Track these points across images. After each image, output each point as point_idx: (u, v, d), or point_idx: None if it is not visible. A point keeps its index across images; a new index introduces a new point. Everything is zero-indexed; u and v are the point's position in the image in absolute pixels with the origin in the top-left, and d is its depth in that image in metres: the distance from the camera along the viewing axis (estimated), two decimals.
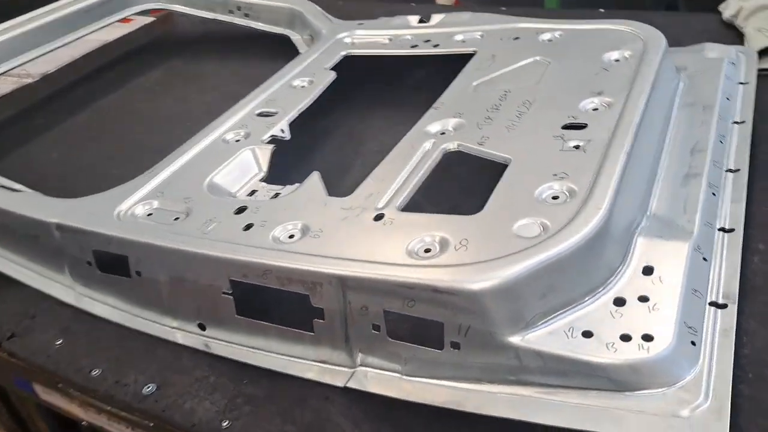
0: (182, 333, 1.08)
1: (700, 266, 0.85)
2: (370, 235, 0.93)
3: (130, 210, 1.14)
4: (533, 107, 1.17)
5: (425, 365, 0.86)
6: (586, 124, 1.05)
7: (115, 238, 1.08)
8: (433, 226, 0.91)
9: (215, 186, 1.19)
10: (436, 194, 1.07)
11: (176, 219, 1.10)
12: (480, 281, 0.78)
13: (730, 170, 1.05)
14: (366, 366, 0.92)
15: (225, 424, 0.92)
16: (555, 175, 0.94)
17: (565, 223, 0.84)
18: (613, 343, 0.75)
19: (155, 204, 1.15)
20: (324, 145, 1.54)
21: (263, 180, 1.24)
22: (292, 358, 0.98)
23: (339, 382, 0.92)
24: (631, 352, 0.74)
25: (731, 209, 0.98)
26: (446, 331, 0.82)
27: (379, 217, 0.97)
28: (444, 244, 0.87)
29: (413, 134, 1.19)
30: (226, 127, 1.37)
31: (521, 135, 1.08)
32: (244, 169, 1.25)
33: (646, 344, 0.74)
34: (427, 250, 0.88)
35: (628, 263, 0.86)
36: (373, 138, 1.55)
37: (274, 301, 0.96)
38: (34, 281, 1.26)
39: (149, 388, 1.01)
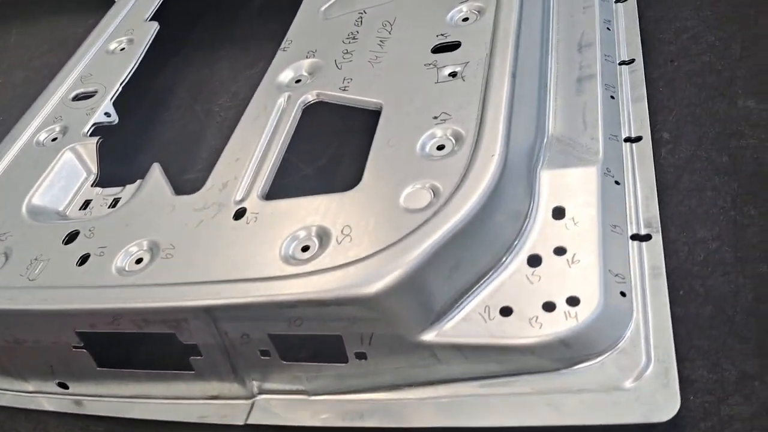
0: (45, 397, 0.89)
1: (613, 193, 0.74)
2: (234, 242, 0.75)
3: None
4: (395, 29, 0.99)
5: (333, 381, 0.72)
6: (459, 43, 0.88)
7: None
8: (306, 215, 0.74)
9: (36, 209, 0.96)
10: (305, 162, 0.90)
11: None
12: (373, 283, 0.63)
13: (623, 62, 0.93)
14: (266, 393, 0.77)
15: None
16: (435, 118, 0.79)
17: (458, 181, 0.69)
18: (537, 317, 0.63)
19: None
20: (165, 116, 1.30)
21: (96, 184, 1.02)
22: (177, 401, 0.82)
23: (239, 420, 0.77)
24: (558, 324, 0.63)
25: (633, 111, 0.86)
26: (347, 344, 0.68)
27: (240, 214, 0.79)
28: (324, 237, 0.71)
29: (264, 89, 0.99)
30: (36, 124, 1.11)
31: (388, 70, 0.91)
32: (69, 176, 1.02)
33: (572, 310, 0.63)
34: (306, 248, 0.72)
35: (536, 207, 0.73)
36: (222, 90, 1.32)
37: (137, 345, 0.78)
38: None
39: None
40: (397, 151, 0.77)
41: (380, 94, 0.87)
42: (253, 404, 0.77)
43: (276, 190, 0.84)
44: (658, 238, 0.71)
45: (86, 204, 0.98)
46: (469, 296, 0.67)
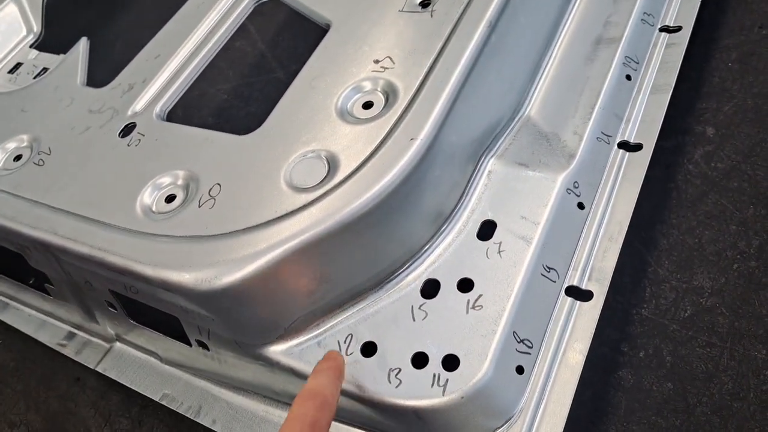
0: None
1: (569, 220, 0.54)
2: (106, 165, 0.62)
3: None
4: None
5: (181, 358, 0.62)
6: None
7: None
8: (187, 154, 0.60)
9: None
10: (230, 78, 0.73)
11: None
12: (208, 275, 0.49)
13: (666, 28, 0.67)
14: (124, 343, 0.68)
15: None
16: (377, 62, 0.59)
17: (361, 160, 0.52)
18: (399, 370, 0.48)
19: None
20: None
21: (35, 45, 0.89)
22: (47, 318, 0.74)
23: (90, 362, 0.68)
24: (419, 388, 0.47)
25: (648, 104, 0.62)
26: (186, 329, 0.56)
27: (127, 131, 0.65)
28: (189, 190, 0.57)
29: None
30: None
31: None
32: (7, 31, 0.90)
33: (445, 375, 0.47)
34: (170, 199, 0.58)
35: (462, 211, 0.55)
36: None
37: (3, 252, 0.69)
38: None
39: None
40: (315, 98, 0.59)
41: (334, 7, 0.67)
42: (108, 350, 0.68)
43: (189, 105, 0.69)
44: (598, 301, 0.52)
45: (16, 67, 0.87)
46: (335, 315, 0.52)
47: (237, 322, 0.51)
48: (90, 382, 0.68)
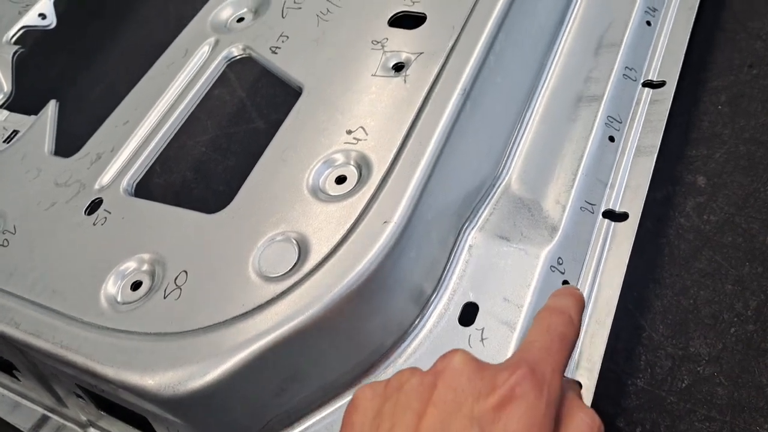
0: None
1: None
2: (71, 247, 0.59)
3: None
4: None
5: None
6: (425, 16, 0.63)
7: None
8: (154, 235, 0.57)
9: None
10: (205, 142, 0.70)
11: None
12: (166, 378, 0.46)
13: (650, 83, 0.64)
14: (98, 429, 0.65)
15: None
16: (349, 132, 0.57)
17: (333, 245, 0.49)
18: None
19: None
20: (128, 23, 1.10)
21: (5, 105, 0.87)
22: (20, 399, 0.71)
23: None
24: None
25: (632, 169, 0.58)
26: (156, 427, 0.53)
27: (93, 207, 0.62)
28: (155, 278, 0.54)
29: (195, 26, 0.78)
30: None
31: (331, 36, 0.67)
32: None
33: None
34: (136, 285, 0.55)
35: (443, 292, 0.52)
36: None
37: None
38: None
39: None
40: (286, 173, 0.56)
41: (307, 70, 0.65)
42: None
43: (151, 178, 0.66)
44: (588, 394, 0.48)
45: None
46: (312, 414, 0.49)
47: (206, 426, 0.48)
48: None
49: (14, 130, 0.83)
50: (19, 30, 0.91)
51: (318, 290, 0.47)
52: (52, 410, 0.68)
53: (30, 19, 0.92)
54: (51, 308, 0.55)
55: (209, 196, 0.66)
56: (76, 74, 0.90)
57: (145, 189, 0.65)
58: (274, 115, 0.79)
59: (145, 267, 0.55)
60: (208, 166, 0.81)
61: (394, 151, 0.53)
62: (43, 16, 0.93)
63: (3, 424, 0.70)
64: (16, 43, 0.90)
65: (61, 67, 0.93)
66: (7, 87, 0.88)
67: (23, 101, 0.87)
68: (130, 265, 0.55)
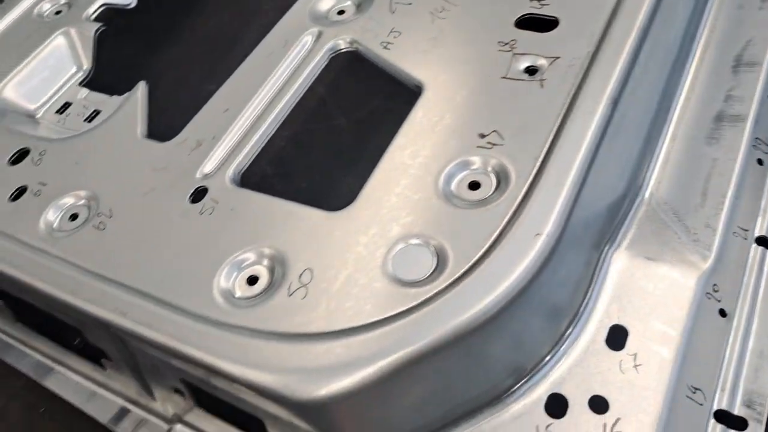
0: None
1: (712, 331, 0.49)
2: (177, 236, 0.57)
3: None
4: None
5: None
6: (557, 20, 0.61)
7: None
8: (270, 230, 0.54)
9: (6, 103, 0.80)
10: (310, 139, 0.68)
11: None
12: (309, 384, 0.44)
13: None
14: (186, 425, 0.62)
15: None
16: (482, 136, 0.54)
17: (478, 255, 0.46)
18: None
19: None
20: (197, 6, 1.07)
21: (84, 83, 0.84)
22: (97, 388, 0.68)
23: None
24: None
25: None
26: (270, 430, 0.51)
27: (198, 196, 0.60)
28: (276, 273, 0.52)
29: (293, 16, 0.75)
30: None
31: (450, 34, 0.65)
32: (55, 66, 0.84)
33: None
34: (253, 281, 0.52)
35: (587, 315, 0.50)
36: None
37: (51, 319, 0.64)
38: None
39: None
40: (413, 174, 0.54)
41: (426, 68, 0.62)
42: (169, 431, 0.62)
43: (258, 169, 0.63)
44: (757, 430, 0.46)
45: (64, 107, 0.82)
46: None
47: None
48: None
49: (95, 110, 0.80)
50: (99, 7, 0.89)
51: (465, 301, 0.44)
52: (133, 402, 0.65)
53: None
54: (160, 299, 0.52)
55: (311, 191, 0.63)
56: (155, 55, 0.87)
57: (246, 180, 0.62)
58: (356, 112, 0.76)
59: (265, 262, 0.52)
60: (290, 160, 0.79)
61: (539, 159, 0.50)
62: None
63: (78, 412, 0.67)
64: (96, 20, 0.88)
65: (140, 46, 0.90)
66: (87, 64, 0.85)
67: (103, 81, 0.84)
68: (248, 257, 0.53)
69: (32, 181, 0.67)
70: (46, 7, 0.90)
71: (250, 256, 0.53)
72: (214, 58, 0.83)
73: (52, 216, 0.63)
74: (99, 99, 0.81)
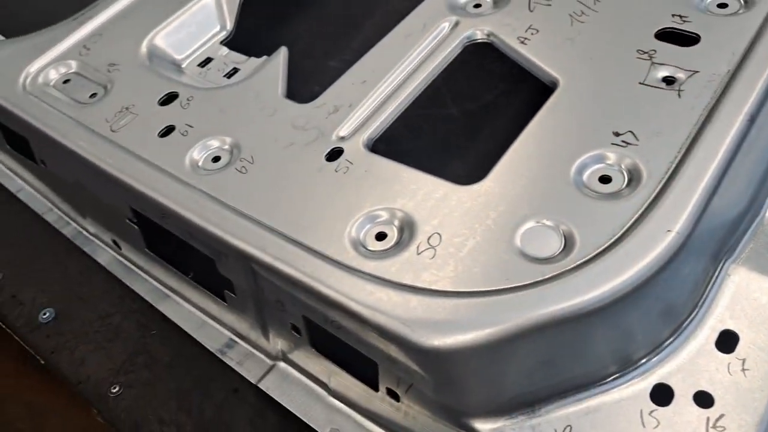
0: (99, 246, 0.85)
1: None
2: (313, 187, 0.62)
3: (42, 73, 0.85)
4: None
5: (358, 398, 0.60)
6: (698, 37, 0.63)
7: (15, 116, 0.81)
8: (400, 193, 0.59)
9: (156, 50, 0.87)
10: (436, 119, 0.72)
11: (93, 96, 0.81)
12: (433, 333, 0.48)
13: None
14: (289, 363, 0.67)
15: (114, 390, 0.72)
16: (617, 134, 0.57)
17: (604, 242, 0.50)
18: None
19: (73, 66, 0.86)
20: None
21: (225, 42, 0.91)
22: (207, 319, 0.74)
23: (252, 376, 0.68)
24: None
25: None
26: (381, 376, 0.55)
27: (334, 155, 0.65)
28: (405, 232, 0.56)
29: (430, 3, 0.80)
30: None
31: (588, 36, 0.68)
32: (201, 24, 0.91)
33: None
34: (381, 236, 0.57)
35: (700, 317, 0.52)
36: None
37: (182, 248, 0.70)
38: None
39: (46, 315, 0.81)
40: (545, 160, 0.57)
41: (562, 65, 0.65)
42: (272, 367, 0.68)
43: (389, 139, 0.68)
44: None
45: (206, 62, 0.88)
46: (554, 401, 0.50)
47: (451, 386, 0.49)
48: (248, 397, 0.68)
49: (234, 68, 0.86)
50: None
51: (589, 282, 0.48)
52: (241, 336, 0.71)
53: None
54: (296, 240, 0.57)
55: (441, 165, 0.67)
56: (293, 24, 0.93)
57: (378, 147, 0.67)
58: (486, 98, 0.78)
59: (396, 222, 0.57)
60: (421, 135, 0.82)
61: (673, 162, 0.53)
62: None
63: (189, 339, 0.73)
64: None
65: (279, 14, 0.96)
66: (229, 24, 0.92)
67: (242, 43, 0.90)
68: (380, 214, 0.57)
69: (180, 122, 0.73)
70: None
71: (383, 214, 0.57)
72: (350, 32, 0.88)
73: (197, 155, 0.69)
74: (238, 58, 0.87)
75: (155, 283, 0.80)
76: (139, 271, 0.81)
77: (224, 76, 0.85)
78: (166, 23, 0.88)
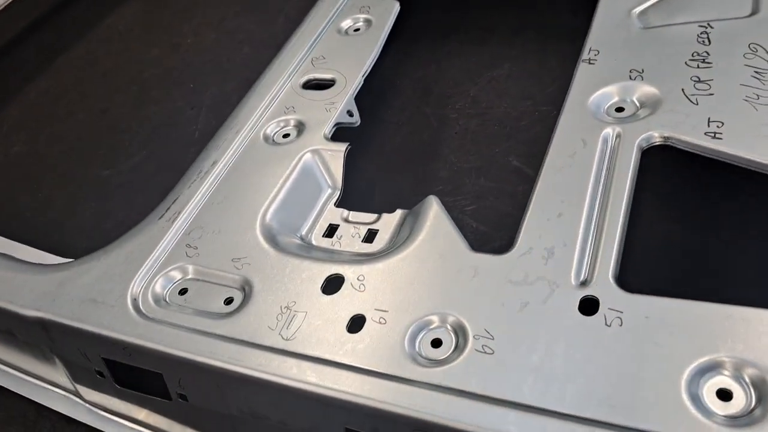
0: None
1: None
2: (597, 354, 0.53)
3: (152, 287, 0.72)
4: None
5: None
6: None
7: (141, 349, 0.67)
8: (721, 336, 0.51)
9: (273, 229, 0.76)
10: (671, 233, 0.66)
11: (228, 302, 0.69)
12: None
13: None
14: None
15: None
16: None
17: None
18: None
19: (189, 272, 0.73)
20: (387, 116, 1.08)
21: (337, 204, 0.82)
22: None
23: None
24: None
25: None
26: None
27: (589, 307, 0.56)
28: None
29: (573, 114, 0.75)
30: (263, 111, 0.91)
31: None
32: (309, 190, 0.82)
33: None
34: (724, 396, 0.48)
35: None
36: (457, 93, 1.08)
37: None
38: None
39: None
40: None
41: None
42: None
43: (637, 272, 0.61)
44: None
45: (331, 230, 0.79)
46: None
47: None
48: None
49: (370, 230, 0.77)
50: (333, 127, 0.88)
51: None
52: None
53: (340, 116, 0.89)
54: (631, 427, 0.48)
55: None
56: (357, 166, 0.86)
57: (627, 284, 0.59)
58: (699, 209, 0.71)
59: (745, 377, 0.49)
60: (663, 260, 0.74)
61: None
62: (350, 113, 0.91)
63: None
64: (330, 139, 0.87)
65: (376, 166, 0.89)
66: (339, 184, 0.83)
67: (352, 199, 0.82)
68: (719, 366, 0.49)
69: (366, 308, 0.63)
70: (273, 130, 0.89)
71: (722, 366, 0.49)
72: (413, 160, 0.82)
73: (416, 344, 0.59)
74: (366, 219, 0.78)
75: None
76: None
77: (362, 241, 0.76)
78: (271, 198, 0.78)
